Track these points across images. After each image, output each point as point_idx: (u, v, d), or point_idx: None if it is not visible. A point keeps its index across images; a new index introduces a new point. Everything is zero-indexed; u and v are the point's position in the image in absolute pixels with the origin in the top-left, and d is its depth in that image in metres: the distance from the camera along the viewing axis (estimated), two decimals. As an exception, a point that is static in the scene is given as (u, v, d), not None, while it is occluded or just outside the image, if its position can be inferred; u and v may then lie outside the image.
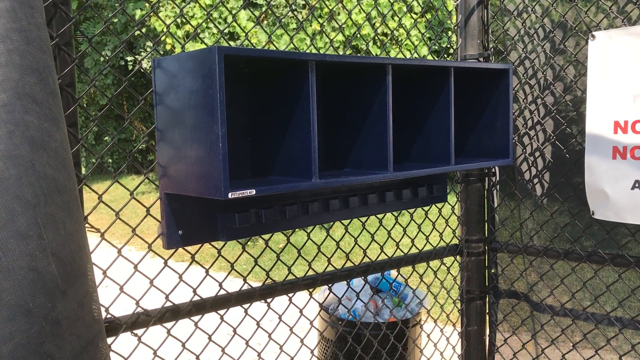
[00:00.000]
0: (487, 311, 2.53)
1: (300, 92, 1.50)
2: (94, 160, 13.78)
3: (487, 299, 2.52)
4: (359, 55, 1.67)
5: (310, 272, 2.01)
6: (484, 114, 2.12)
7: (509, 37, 2.35)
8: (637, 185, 1.96)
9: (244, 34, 9.06)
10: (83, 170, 1.58)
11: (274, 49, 2.01)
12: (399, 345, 2.29)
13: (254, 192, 1.37)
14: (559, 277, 2.25)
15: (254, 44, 9.05)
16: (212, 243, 1.69)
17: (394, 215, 2.19)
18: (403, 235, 2.24)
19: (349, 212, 1.89)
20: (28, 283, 1.14)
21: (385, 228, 2.25)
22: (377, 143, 1.71)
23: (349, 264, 2.10)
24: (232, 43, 9.49)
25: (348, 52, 9.68)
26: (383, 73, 1.66)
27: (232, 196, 1.33)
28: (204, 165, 1.37)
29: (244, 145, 1.72)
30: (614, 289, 2.12)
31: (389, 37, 2.43)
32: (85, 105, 13.85)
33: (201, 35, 9.50)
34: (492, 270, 2.52)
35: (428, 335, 2.42)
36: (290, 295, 1.93)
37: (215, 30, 9.55)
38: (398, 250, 2.25)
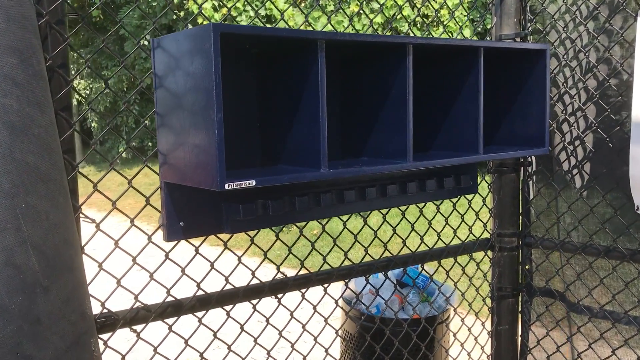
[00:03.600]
0: (520, 310, 2.37)
1: (308, 74, 1.38)
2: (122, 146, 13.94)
3: (520, 297, 2.36)
4: (386, 34, 1.54)
5: (345, 262, 1.91)
6: (518, 99, 1.95)
7: (548, 16, 2.16)
8: (688, 178, 1.77)
9: (280, 17, 8.92)
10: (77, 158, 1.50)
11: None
12: (422, 344, 2.16)
13: (253, 183, 1.26)
14: (599, 277, 2.07)
15: (292, 27, 8.91)
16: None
17: (418, 207, 2.04)
18: (428, 228, 2.10)
19: (365, 204, 1.77)
20: (4, 279, 1.07)
21: (425, 217, 2.11)
22: (396, 130, 1.57)
23: (387, 254, 1.99)
24: (268, 25, 9.37)
25: (388, 34, 9.44)
26: (403, 53, 1.52)
27: (229, 187, 1.22)
28: (200, 154, 1.26)
29: (253, 132, 1.61)
30: (659, 291, 1.94)
31: (430, 19, 2.27)
32: (125, 90, 14.02)
33: (238, 19, 9.43)
34: (526, 267, 2.36)
35: (454, 335, 2.28)
36: (326, 285, 1.85)
37: (252, 13, 9.45)
38: (425, 243, 2.11)
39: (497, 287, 2.35)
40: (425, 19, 9.67)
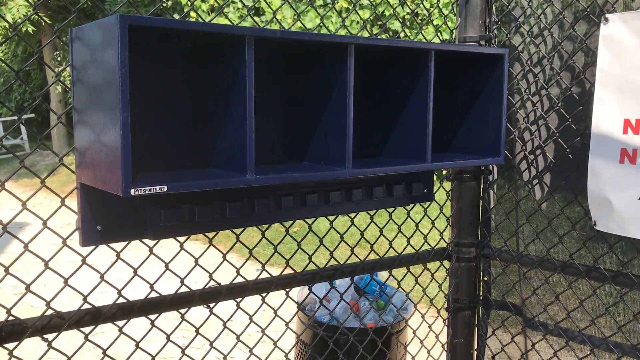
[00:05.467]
0: (477, 323, 2.29)
1: (237, 74, 1.29)
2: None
3: (477, 309, 2.28)
4: (320, 33, 1.44)
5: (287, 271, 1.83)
6: (476, 105, 1.86)
7: (513, 18, 2.08)
8: (646, 195, 1.69)
9: (269, 10, 8.81)
10: None
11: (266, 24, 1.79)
12: (369, 356, 2.08)
13: (165, 188, 1.17)
14: (554, 293, 1.99)
15: (279, 20, 8.79)
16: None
17: (369, 214, 1.96)
18: (379, 235, 2.02)
19: (307, 211, 1.68)
20: None
21: (395, 222, 2.03)
22: (337, 135, 1.48)
23: (353, 259, 1.91)
24: (256, 19, 9.26)
25: (375, 31, 9.34)
26: (344, 54, 1.43)
27: (136, 193, 1.13)
28: (109, 155, 1.17)
29: (185, 133, 1.52)
30: (614, 310, 1.86)
31: (419, 18, 2.18)
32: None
33: (225, 10, 9.28)
34: (484, 279, 2.28)
35: (405, 347, 2.20)
36: (288, 289, 1.80)
37: (240, 5, 9.32)
38: (384, 251, 2.03)
39: (453, 299, 2.27)
40: (415, 18, 9.58)
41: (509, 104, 2.12)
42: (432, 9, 8.82)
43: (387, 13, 9.17)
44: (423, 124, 1.63)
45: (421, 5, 8.94)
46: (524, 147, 2.09)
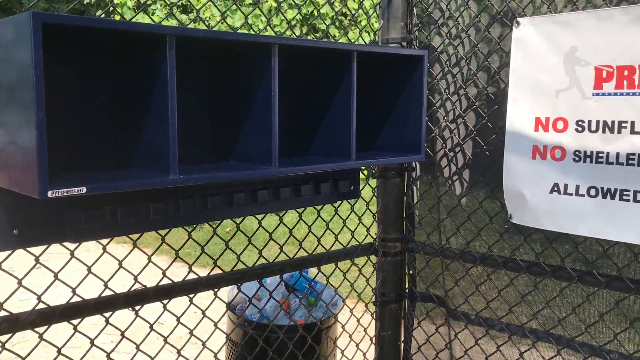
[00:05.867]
0: (403, 315, 2.36)
1: (158, 73, 1.27)
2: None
3: (404, 302, 2.35)
4: (246, 33, 1.45)
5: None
6: (399, 104, 1.92)
7: (433, 20, 2.15)
8: (555, 188, 1.80)
9: (197, 7, 8.68)
10: None
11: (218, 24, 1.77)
12: (299, 352, 2.10)
13: (84, 190, 1.15)
14: (475, 284, 2.09)
15: (207, 18, 8.68)
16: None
17: (297, 212, 1.98)
18: (308, 233, 2.04)
19: (235, 211, 1.68)
20: None
21: (323, 219, 2.05)
22: (263, 134, 1.49)
23: (281, 258, 1.92)
24: (184, 16, 9.11)
25: (304, 30, 9.39)
26: (268, 54, 1.44)
27: (53, 195, 1.10)
28: (24, 156, 1.13)
29: (106, 131, 1.49)
30: (529, 299, 1.97)
31: (348, 18, 2.20)
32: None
33: (152, 7, 9.08)
34: (410, 272, 2.35)
35: (334, 342, 2.24)
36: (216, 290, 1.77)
37: (168, 1, 9.12)
38: (315, 248, 2.06)
39: (380, 293, 2.33)
40: (344, 18, 9.71)
41: (429, 103, 2.19)
42: (357, 12, 8.94)
43: (316, 13, 9.24)
44: (347, 123, 1.67)
45: (347, 5, 9.07)
46: (444, 145, 2.17)
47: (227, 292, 2.72)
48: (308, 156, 1.81)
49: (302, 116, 1.84)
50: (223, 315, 1.83)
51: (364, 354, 2.34)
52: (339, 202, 2.06)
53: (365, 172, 2.63)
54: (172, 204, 1.52)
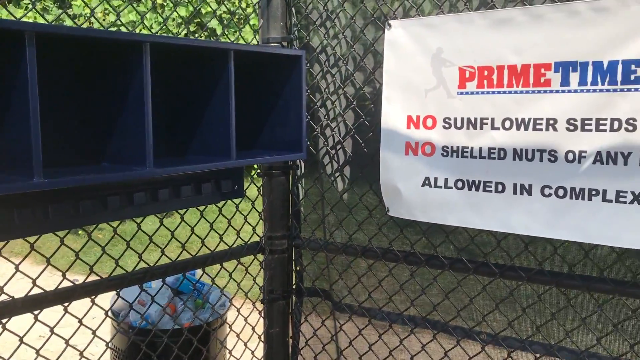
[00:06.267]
0: (291, 311, 2.40)
1: (17, 71, 1.21)
2: None
3: (291, 298, 2.39)
4: (116, 30, 1.40)
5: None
6: (279, 104, 1.94)
7: (311, 21, 2.20)
8: (427, 182, 1.90)
9: (76, 2, 8.24)
10: None
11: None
12: (185, 355, 2.08)
13: None
14: (357, 276, 2.16)
15: (85, 14, 8.25)
16: None
17: (179, 213, 1.96)
18: (191, 234, 2.02)
19: (110, 214, 1.62)
20: None
21: (207, 220, 2.01)
22: (136, 134, 1.46)
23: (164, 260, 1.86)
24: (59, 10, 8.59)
25: (192, 29, 9.22)
26: (139, 53, 1.41)
27: None
28: None
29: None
30: (408, 287, 2.07)
31: (236, 16, 2.17)
32: None
33: (25, 1, 8.50)
34: (297, 268, 2.39)
35: (222, 343, 2.23)
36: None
37: (42, -4, 8.59)
38: (208, 247, 2.03)
39: (268, 290, 2.35)
40: (229, 16, 9.62)
41: (311, 102, 2.24)
42: (246, 10, 8.90)
43: (204, 10, 9.09)
44: (227, 122, 1.67)
45: (235, 3, 9.01)
46: (326, 143, 2.23)
47: (111, 299, 2.62)
48: (188, 156, 1.79)
49: (182, 116, 1.81)
50: (101, 323, 1.76)
51: (253, 352, 2.35)
52: (224, 202, 2.05)
53: (253, 171, 2.63)
54: (40, 210, 1.44)
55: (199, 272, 2.60)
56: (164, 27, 2.17)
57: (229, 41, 1.86)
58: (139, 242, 1.90)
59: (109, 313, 2.61)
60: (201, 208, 2.02)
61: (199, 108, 1.77)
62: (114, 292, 1.97)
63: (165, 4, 8.98)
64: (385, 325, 2.14)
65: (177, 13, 2.02)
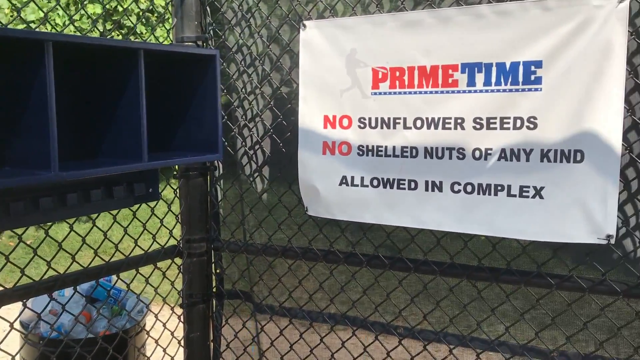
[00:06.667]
0: (211, 315, 2.36)
1: None
2: None
3: (211, 301, 2.36)
4: (14, 28, 1.33)
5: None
6: (194, 104, 1.91)
7: (226, 20, 2.18)
8: (344, 181, 1.93)
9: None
10: None
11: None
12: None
13: None
14: (277, 276, 2.16)
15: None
16: None
17: (91, 218, 1.88)
18: (104, 239, 1.95)
19: (13, 221, 1.54)
20: None
21: (120, 224, 1.93)
22: (40, 137, 1.39)
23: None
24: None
25: (108, 27, 8.90)
26: (41, 52, 1.34)
27: None
28: None
29: None
30: (328, 285, 2.09)
31: (155, 15, 2.09)
32: None
33: None
34: (217, 271, 2.36)
35: (139, 349, 2.17)
36: None
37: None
38: (122, 252, 1.96)
39: (187, 294, 2.31)
40: (151, 14, 9.38)
41: (228, 102, 2.22)
42: (165, 9, 8.70)
43: (120, 8, 8.80)
44: (137, 123, 1.62)
45: (155, 2, 8.78)
46: (244, 143, 2.22)
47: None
48: (99, 159, 1.73)
49: (93, 117, 1.75)
50: (7, 335, 1.67)
51: (172, 358, 2.30)
52: (138, 206, 2.00)
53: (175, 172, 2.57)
54: None
55: (115, 278, 2.51)
56: (70, 25, 2.08)
57: (141, 40, 1.81)
58: (45, 250, 1.81)
59: (18, 325, 2.48)
60: (114, 212, 1.96)
61: (110, 109, 1.71)
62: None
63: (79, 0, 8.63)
64: (307, 324, 2.15)
65: (85, 11, 1.94)
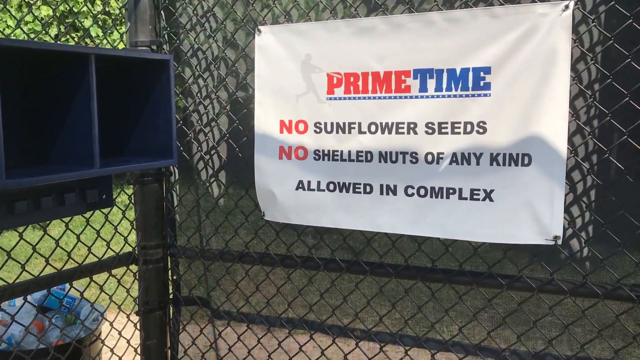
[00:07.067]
0: (168, 321, 2.33)
1: None
2: None
3: (168, 308, 2.33)
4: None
5: None
6: (147, 109, 1.89)
7: (181, 25, 2.16)
8: (300, 185, 1.93)
9: None
10: None
11: None
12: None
13: None
14: (234, 281, 2.15)
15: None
16: None
17: (41, 226, 1.84)
18: (55, 247, 1.91)
19: (-42, 230, 1.50)
20: None
21: (74, 233, 1.89)
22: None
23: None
24: None
25: (63, 30, 8.71)
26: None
27: None
28: None
29: None
30: (286, 290, 2.10)
31: (112, 17, 2.05)
32: None
33: None
34: (174, 277, 2.34)
35: (93, 359, 2.13)
36: None
37: None
38: (75, 260, 1.91)
39: (143, 302, 2.27)
40: (108, 17, 9.21)
41: (184, 107, 2.21)
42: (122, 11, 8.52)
43: (76, 9, 8.61)
44: (89, 129, 1.60)
45: (110, 4, 8.63)
46: (200, 148, 2.20)
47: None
48: (50, 165, 1.70)
49: (45, 123, 1.71)
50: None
51: (129, 367, 2.27)
52: (91, 213, 1.96)
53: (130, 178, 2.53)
54: None
55: (68, 286, 2.46)
56: (19, 28, 2.04)
57: (94, 44, 1.78)
58: (1, 259, 1.77)
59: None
60: (67, 220, 1.92)
61: (61, 114, 1.68)
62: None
63: (31, 2, 8.42)
64: (266, 328, 2.15)
65: (33, 14, 1.89)
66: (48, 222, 1.79)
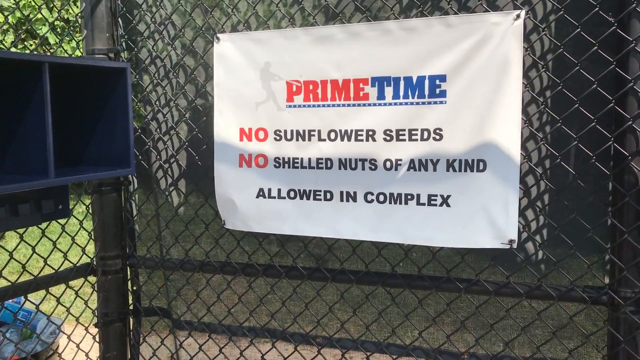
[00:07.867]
0: (128, 333, 2.30)
1: None
2: None
3: (128, 319, 2.29)
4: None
5: None
6: (105, 118, 1.86)
7: (139, 33, 2.14)
8: (261, 193, 1.93)
9: None
10: None
11: None
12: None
13: None
14: (195, 291, 2.13)
15: None
16: None
17: (18, 233, 1.79)
18: (9, 259, 1.86)
19: None
20: None
21: (28, 244, 1.83)
22: None
23: None
24: None
25: (23, 37, 8.51)
26: None
27: None
28: None
29: None
30: (248, 299, 2.09)
31: (71, 24, 2.01)
32: None
33: None
34: (134, 288, 2.30)
35: (52, 373, 2.08)
36: None
37: None
38: (19, 275, 1.86)
39: (102, 313, 2.23)
40: (66, 25, 9.03)
41: (141, 115, 2.18)
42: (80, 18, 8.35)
43: (32, 16, 8.42)
44: (43, 138, 1.57)
45: (70, 10, 8.47)
46: (158, 157, 2.18)
47: None
48: (3, 175, 1.66)
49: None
50: None
51: (88, 380, 2.22)
52: (47, 224, 1.92)
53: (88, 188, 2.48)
54: None
55: (23, 299, 2.40)
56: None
57: (50, 52, 1.75)
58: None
59: None
60: (21, 231, 1.87)
61: (15, 123, 1.64)
62: None
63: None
64: (228, 338, 2.14)
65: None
66: (1, 233, 1.74)
